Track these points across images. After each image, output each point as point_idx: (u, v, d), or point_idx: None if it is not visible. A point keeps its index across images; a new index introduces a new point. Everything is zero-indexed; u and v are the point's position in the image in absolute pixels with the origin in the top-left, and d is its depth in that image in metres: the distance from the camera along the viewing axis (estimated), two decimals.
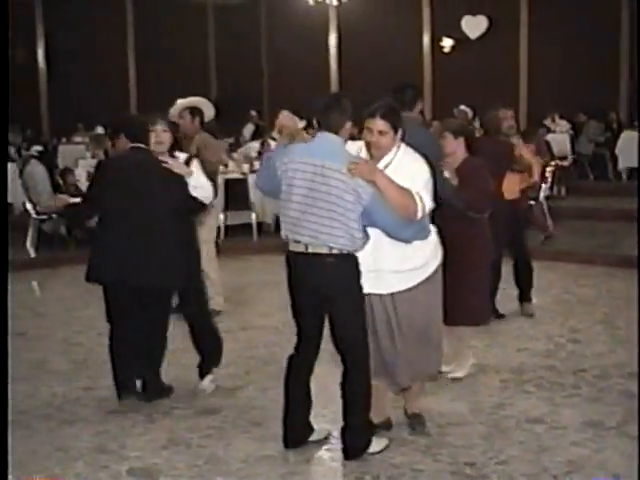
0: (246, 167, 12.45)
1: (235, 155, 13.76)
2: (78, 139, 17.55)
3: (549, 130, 15.35)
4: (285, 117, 4.56)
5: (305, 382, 4.54)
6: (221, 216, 11.31)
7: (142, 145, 5.26)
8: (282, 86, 22.00)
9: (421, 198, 4.19)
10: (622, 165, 15.25)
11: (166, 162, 5.20)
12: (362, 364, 4.35)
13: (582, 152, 15.97)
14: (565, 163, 14.55)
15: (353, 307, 4.31)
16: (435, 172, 4.49)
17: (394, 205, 4.14)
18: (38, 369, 6.26)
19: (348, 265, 4.28)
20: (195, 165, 5.41)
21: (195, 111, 7.15)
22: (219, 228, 6.31)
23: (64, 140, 17.88)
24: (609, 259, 9.54)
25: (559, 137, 15.70)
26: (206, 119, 6.52)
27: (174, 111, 7.07)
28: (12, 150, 16.45)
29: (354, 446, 4.40)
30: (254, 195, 11.54)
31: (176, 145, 5.46)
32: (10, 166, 14.26)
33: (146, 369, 5.37)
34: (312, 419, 4.82)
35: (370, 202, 4.13)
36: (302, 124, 18.71)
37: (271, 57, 22.70)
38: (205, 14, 23.08)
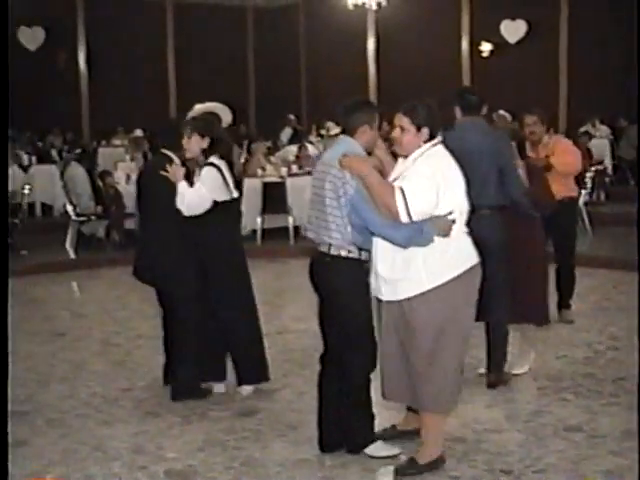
0: (284, 171, 12.48)
1: (273, 159, 13.81)
2: (117, 142, 17.73)
3: (590, 136, 15.18)
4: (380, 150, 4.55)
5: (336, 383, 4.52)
6: (258, 220, 11.37)
7: (167, 151, 5.55)
8: (320, 90, 22.06)
9: (405, 199, 3.98)
10: None
11: (167, 169, 5.38)
12: (351, 367, 4.39)
13: (623, 157, 15.80)
14: (602, 167, 14.38)
15: (347, 309, 4.34)
16: (469, 180, 4.30)
17: (377, 202, 4.08)
18: (77, 369, 6.33)
19: (345, 266, 4.29)
20: (202, 173, 5.38)
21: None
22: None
23: (104, 143, 18.08)
24: None
25: (599, 142, 15.55)
26: (223, 124, 6.47)
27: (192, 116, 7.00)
28: (53, 152, 16.68)
29: (351, 442, 4.52)
30: (291, 198, 11.58)
31: (210, 150, 5.47)
32: (50, 168, 14.49)
33: (175, 367, 5.50)
34: None
35: (354, 197, 4.14)
36: (337, 130, 18.71)
37: (310, 61, 22.76)
38: (244, 18, 23.22)
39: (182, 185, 5.30)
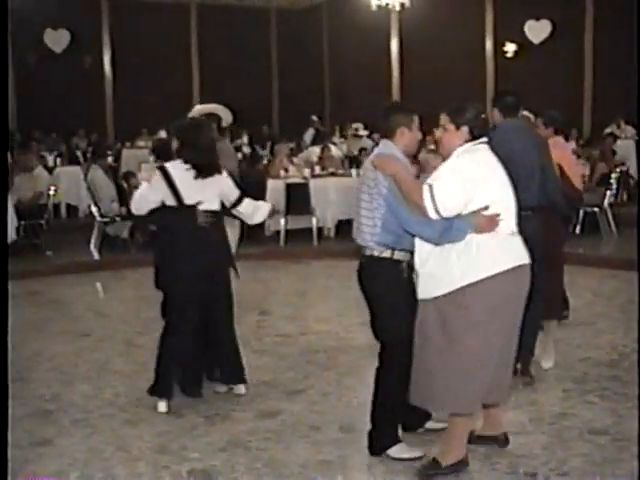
0: (307, 172, 12.49)
1: (296, 160, 13.83)
2: (141, 143, 17.82)
3: (615, 137, 15.06)
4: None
5: None
6: (282, 221, 11.39)
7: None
8: (344, 91, 22.06)
9: (432, 196, 3.96)
10: None
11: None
12: (389, 367, 4.42)
13: None
14: (625, 168, 14.26)
15: (384, 310, 4.39)
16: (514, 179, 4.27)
17: (408, 201, 4.11)
18: (101, 369, 6.36)
19: (377, 268, 4.33)
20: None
21: (212, 118, 6.81)
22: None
23: (128, 144, 18.18)
24: None
25: (624, 143, 15.42)
26: (224, 124, 6.41)
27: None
28: (79, 154, 16.80)
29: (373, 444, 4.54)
30: (314, 200, 11.58)
31: (177, 153, 5.41)
32: (75, 169, 14.60)
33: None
34: (369, 424, 4.78)
35: (387, 196, 4.20)
36: (365, 132, 18.62)
37: (333, 62, 22.77)
38: (268, 19, 23.27)
39: (142, 186, 5.43)
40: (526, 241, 4.28)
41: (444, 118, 4.22)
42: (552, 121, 6.46)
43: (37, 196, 11.68)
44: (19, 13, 19.07)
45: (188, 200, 5.21)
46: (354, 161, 14.73)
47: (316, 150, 15.25)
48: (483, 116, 4.23)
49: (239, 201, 5.53)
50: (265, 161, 14.56)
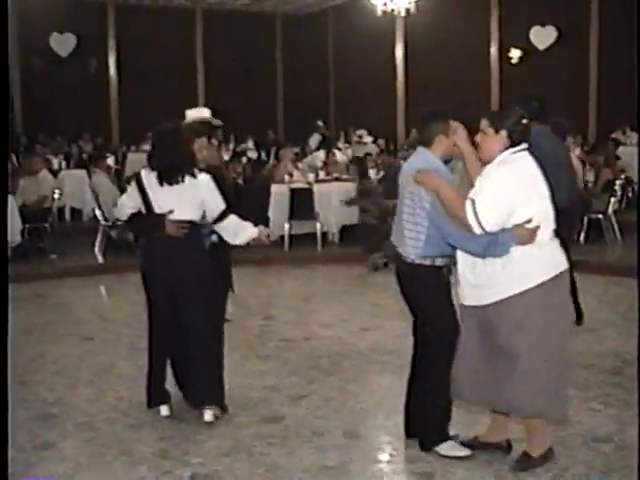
0: (311, 177, 12.49)
1: (300, 165, 13.83)
2: (146, 147, 17.80)
3: (617, 143, 15.03)
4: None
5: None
6: (286, 226, 11.39)
7: None
8: (349, 96, 22.09)
9: (475, 211, 4.00)
10: None
11: None
12: (435, 366, 4.46)
13: None
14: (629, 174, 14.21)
15: (424, 314, 4.46)
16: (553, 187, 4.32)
17: (451, 216, 4.12)
18: (105, 373, 6.36)
19: (420, 273, 4.37)
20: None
21: (204, 125, 6.48)
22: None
23: (133, 148, 18.21)
24: None
25: (628, 150, 15.39)
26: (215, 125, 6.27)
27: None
28: (85, 157, 16.82)
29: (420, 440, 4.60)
30: (319, 205, 11.58)
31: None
32: (79, 173, 14.61)
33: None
34: (372, 431, 4.82)
35: (431, 211, 4.22)
36: (370, 139, 18.58)
37: (338, 67, 22.80)
38: (273, 25, 23.31)
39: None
40: None
41: (484, 122, 4.24)
42: (559, 128, 6.48)
43: (42, 199, 11.69)
44: (25, 17, 19.15)
45: (157, 209, 5.03)
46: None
47: (321, 155, 15.26)
48: (524, 121, 4.23)
49: (223, 216, 5.16)
50: (270, 166, 14.57)
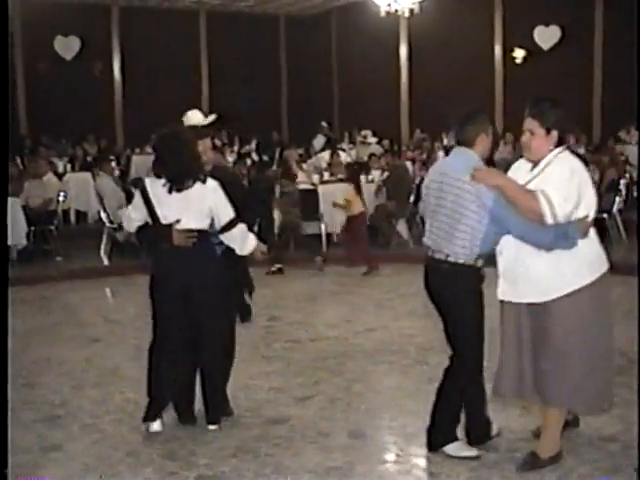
0: (316, 178, 12.50)
1: (305, 166, 13.83)
2: (151, 149, 17.81)
3: (617, 139, 15.02)
4: None
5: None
6: None
7: None
8: (353, 97, 22.08)
9: (549, 201, 4.05)
10: None
11: None
12: (462, 370, 4.46)
13: None
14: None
15: (464, 315, 4.42)
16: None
17: (520, 209, 4.14)
18: (111, 375, 6.37)
19: (462, 273, 4.36)
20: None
21: (205, 129, 6.04)
22: None
23: (137, 151, 18.23)
24: None
25: (629, 149, 15.40)
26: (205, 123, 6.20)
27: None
28: (88, 160, 16.86)
29: (434, 440, 4.57)
30: (323, 205, 11.58)
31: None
32: (84, 175, 14.64)
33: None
34: (378, 431, 4.81)
35: (494, 207, 4.19)
36: (374, 139, 18.59)
37: (342, 68, 22.80)
38: (277, 26, 23.32)
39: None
40: None
41: (532, 122, 4.26)
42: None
43: (47, 202, 11.71)
44: (30, 20, 19.20)
45: (163, 219, 4.85)
46: (363, 167, 14.74)
47: (325, 156, 15.26)
48: (565, 119, 4.31)
49: (231, 225, 4.98)
50: (274, 167, 14.56)
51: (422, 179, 12.00)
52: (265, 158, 16.57)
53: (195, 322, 4.95)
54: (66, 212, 13.84)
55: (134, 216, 5.03)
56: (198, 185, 4.83)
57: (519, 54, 19.01)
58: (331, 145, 17.11)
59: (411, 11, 17.87)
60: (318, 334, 7.48)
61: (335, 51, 23.00)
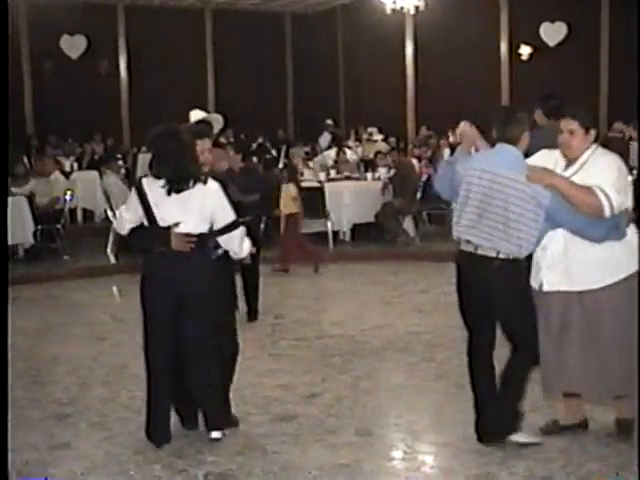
0: (322, 175, 12.49)
1: (311, 164, 13.83)
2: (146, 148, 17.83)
3: (623, 136, 14.98)
4: (465, 125, 4.69)
5: (489, 378, 4.63)
6: None
7: None
8: (358, 95, 22.05)
9: (606, 194, 4.21)
10: None
11: None
12: (524, 360, 4.54)
13: None
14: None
15: (517, 308, 4.51)
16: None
17: (577, 204, 4.27)
18: (118, 373, 6.38)
19: (512, 268, 4.43)
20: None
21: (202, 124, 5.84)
22: None
23: (144, 149, 18.23)
24: None
25: (633, 145, 15.36)
26: (215, 130, 6.13)
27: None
28: (96, 158, 16.87)
29: (491, 431, 4.59)
30: (330, 203, 11.58)
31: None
32: (91, 174, 14.67)
33: None
34: (385, 429, 4.81)
35: (551, 205, 4.29)
36: (380, 137, 18.58)
37: (348, 66, 22.77)
38: (283, 24, 23.30)
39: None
40: None
41: (573, 123, 4.43)
42: None
43: (54, 201, 11.73)
44: (36, 19, 19.21)
45: (161, 221, 4.67)
46: (369, 165, 14.74)
47: (331, 154, 15.26)
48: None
49: (232, 227, 4.79)
50: (281, 165, 14.57)
51: (429, 176, 12.09)
52: (268, 156, 16.60)
53: (185, 326, 4.81)
54: (73, 211, 13.87)
55: (127, 217, 4.82)
56: (199, 186, 4.65)
57: (525, 51, 18.94)
58: (337, 143, 17.10)
59: (416, 8, 17.84)
60: (324, 332, 7.48)
61: (341, 49, 22.96)
